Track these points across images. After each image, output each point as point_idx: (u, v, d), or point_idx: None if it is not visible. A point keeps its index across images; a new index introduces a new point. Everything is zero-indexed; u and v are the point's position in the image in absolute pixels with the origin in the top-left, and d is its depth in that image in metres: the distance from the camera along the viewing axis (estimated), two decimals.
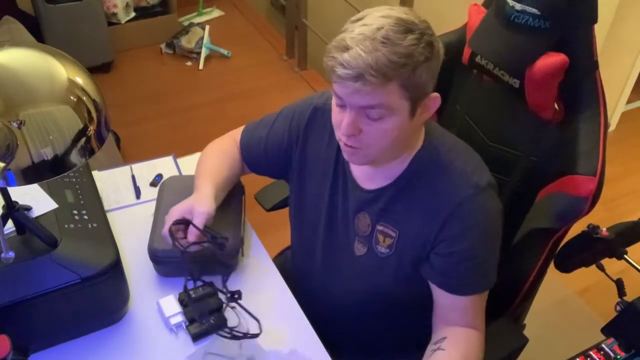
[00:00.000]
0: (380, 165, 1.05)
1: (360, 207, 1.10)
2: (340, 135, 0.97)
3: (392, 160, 1.04)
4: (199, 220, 1.08)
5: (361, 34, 0.87)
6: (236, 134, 1.28)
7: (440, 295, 1.06)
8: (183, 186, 1.25)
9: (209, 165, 1.22)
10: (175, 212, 1.11)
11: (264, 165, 1.24)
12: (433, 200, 1.02)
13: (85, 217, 1.08)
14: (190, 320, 1.10)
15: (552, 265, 1.22)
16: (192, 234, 1.08)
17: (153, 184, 1.43)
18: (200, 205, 1.10)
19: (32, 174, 0.84)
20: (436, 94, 0.97)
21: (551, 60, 1.06)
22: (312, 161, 1.17)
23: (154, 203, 1.29)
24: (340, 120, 0.95)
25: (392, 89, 0.89)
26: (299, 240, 1.28)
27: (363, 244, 1.12)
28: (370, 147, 0.96)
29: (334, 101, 0.98)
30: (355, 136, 0.95)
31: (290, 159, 1.19)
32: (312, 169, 1.17)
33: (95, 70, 3.30)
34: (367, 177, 1.09)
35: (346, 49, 0.87)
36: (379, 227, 1.08)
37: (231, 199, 1.26)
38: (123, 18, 3.46)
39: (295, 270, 1.31)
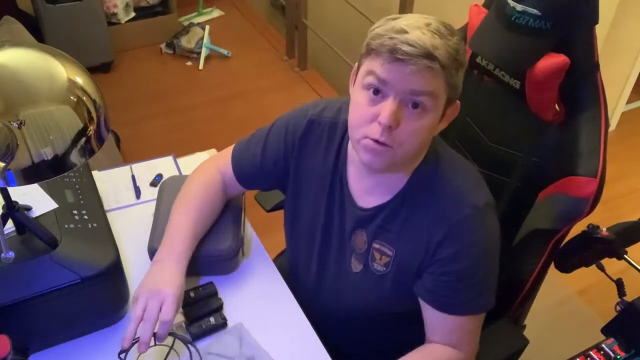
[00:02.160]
0: (391, 171, 1.01)
1: (357, 225, 1.08)
2: (369, 132, 0.91)
3: (402, 168, 1.01)
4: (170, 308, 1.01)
5: (412, 24, 0.86)
6: (220, 159, 1.23)
7: (429, 314, 1.04)
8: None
9: (180, 227, 1.13)
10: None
11: (261, 180, 1.21)
12: (430, 220, 1.00)
13: (85, 217, 1.08)
14: (191, 321, 1.10)
15: (552, 265, 1.22)
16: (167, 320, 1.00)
17: (153, 184, 1.43)
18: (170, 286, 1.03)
19: (32, 174, 0.84)
20: (458, 102, 0.97)
21: (552, 61, 1.06)
22: (308, 174, 1.14)
23: (154, 203, 1.29)
24: (372, 114, 0.90)
25: (442, 81, 0.88)
26: (293, 250, 1.26)
27: (359, 261, 1.10)
28: (401, 146, 0.92)
29: (361, 96, 0.92)
30: (390, 132, 0.90)
31: (287, 170, 1.16)
32: (307, 182, 1.14)
33: (95, 70, 3.30)
34: (365, 191, 1.06)
35: (405, 31, 0.85)
36: (375, 245, 1.06)
37: (231, 200, 1.26)
38: (123, 18, 3.46)
39: (290, 275, 1.30)
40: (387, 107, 0.88)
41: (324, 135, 1.11)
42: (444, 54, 0.86)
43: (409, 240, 1.02)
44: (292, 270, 1.28)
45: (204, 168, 1.24)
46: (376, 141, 0.91)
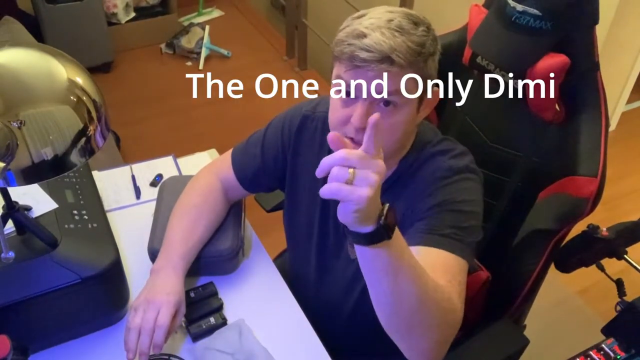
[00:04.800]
0: None
1: None
2: (347, 131, 0.93)
3: (389, 159, 1.02)
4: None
5: (373, 24, 0.88)
6: (219, 166, 1.24)
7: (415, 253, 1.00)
8: (183, 186, 1.25)
9: (179, 234, 1.14)
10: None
11: (264, 180, 1.21)
12: (414, 193, 1.02)
13: (85, 217, 1.08)
14: (190, 321, 1.10)
15: (552, 265, 1.22)
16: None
17: (153, 184, 1.43)
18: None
19: (32, 174, 0.84)
20: (437, 89, 0.98)
21: (552, 61, 1.06)
22: (304, 169, 1.16)
23: (154, 203, 1.29)
24: (346, 115, 0.93)
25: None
26: (293, 247, 1.27)
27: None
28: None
29: (335, 99, 0.95)
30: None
31: (285, 168, 1.18)
32: (303, 177, 1.16)
33: (95, 70, 3.30)
34: None
35: (364, 35, 0.87)
36: None
37: None
38: (123, 18, 3.46)
39: (291, 274, 1.30)
40: (357, 110, 0.91)
41: (318, 129, 1.13)
42: (405, 53, 0.87)
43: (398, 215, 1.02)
44: (293, 267, 1.29)
45: (202, 175, 1.24)
46: (353, 140, 0.92)
